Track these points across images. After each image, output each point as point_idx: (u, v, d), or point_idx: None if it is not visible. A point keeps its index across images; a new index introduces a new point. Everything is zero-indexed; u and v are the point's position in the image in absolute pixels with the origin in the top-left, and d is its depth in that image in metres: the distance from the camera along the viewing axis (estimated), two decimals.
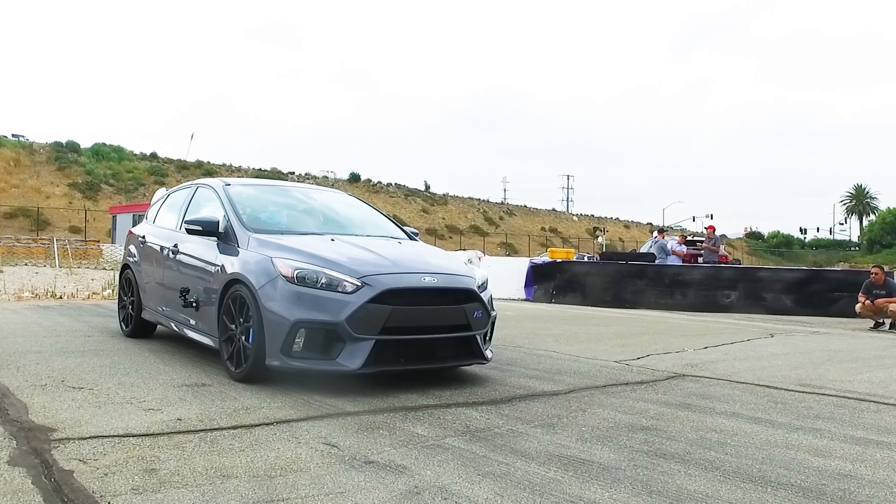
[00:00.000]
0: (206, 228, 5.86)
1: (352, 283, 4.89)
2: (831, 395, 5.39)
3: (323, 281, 4.91)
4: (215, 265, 5.71)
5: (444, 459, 3.45)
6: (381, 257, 5.33)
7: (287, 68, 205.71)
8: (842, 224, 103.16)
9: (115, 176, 60.30)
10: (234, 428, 3.93)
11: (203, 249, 5.99)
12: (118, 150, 65.66)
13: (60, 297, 12.83)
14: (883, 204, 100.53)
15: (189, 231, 6.02)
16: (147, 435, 3.73)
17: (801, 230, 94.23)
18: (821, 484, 3.25)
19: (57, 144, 62.47)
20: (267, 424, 4.03)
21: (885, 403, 5.14)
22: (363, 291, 4.86)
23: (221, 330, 5.45)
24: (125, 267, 7.94)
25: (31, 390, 4.73)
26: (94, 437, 3.66)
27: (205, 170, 65.71)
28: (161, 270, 6.85)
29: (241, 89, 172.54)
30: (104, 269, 25.22)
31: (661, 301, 15.78)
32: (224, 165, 70.19)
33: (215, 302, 5.56)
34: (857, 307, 12.26)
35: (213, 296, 5.64)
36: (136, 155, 67.41)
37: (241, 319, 5.21)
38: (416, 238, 6.73)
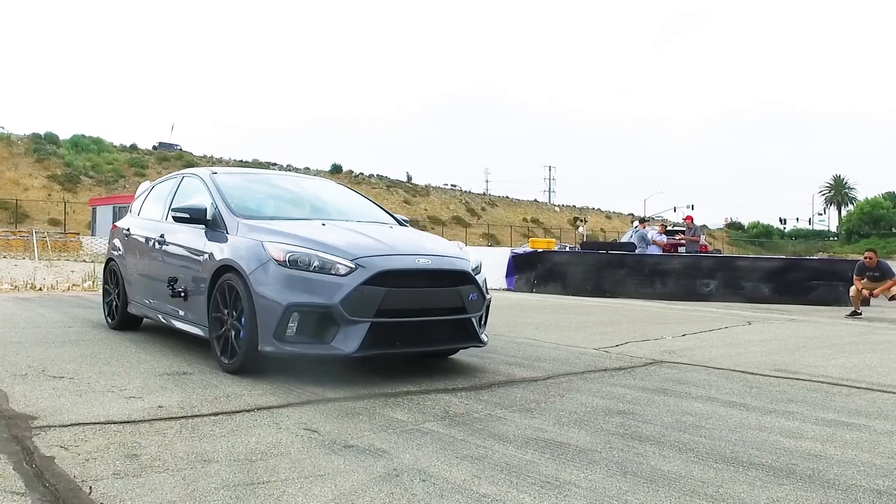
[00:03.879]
0: (194, 216, 5.75)
1: (345, 265, 4.80)
2: (805, 380, 5.49)
3: (315, 264, 4.82)
4: (203, 253, 5.60)
5: (423, 443, 3.50)
6: (374, 240, 5.25)
7: (270, 61, 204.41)
8: (821, 214, 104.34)
9: (95, 168, 59.81)
10: (215, 415, 3.96)
11: (191, 238, 5.87)
12: (98, 142, 65.14)
13: (40, 289, 12.76)
14: (861, 194, 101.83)
15: (176, 219, 5.91)
16: (128, 422, 3.75)
17: (780, 220, 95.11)
18: (791, 464, 3.33)
19: (35, 136, 61.83)
20: (248, 411, 4.06)
21: (856, 387, 5.25)
22: (357, 273, 4.77)
23: (212, 319, 5.34)
24: (109, 261, 7.80)
25: (12, 380, 4.73)
26: (75, 424, 3.68)
27: (185, 161, 65.26)
28: (147, 262, 6.73)
29: (221, 81, 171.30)
30: (84, 261, 25.06)
31: (641, 290, 15.90)
32: (205, 157, 69.76)
33: (204, 291, 5.46)
34: (852, 290, 12.46)
35: (202, 284, 5.53)
36: (115, 146, 66.88)
37: (233, 307, 5.10)
38: (407, 225, 6.66)
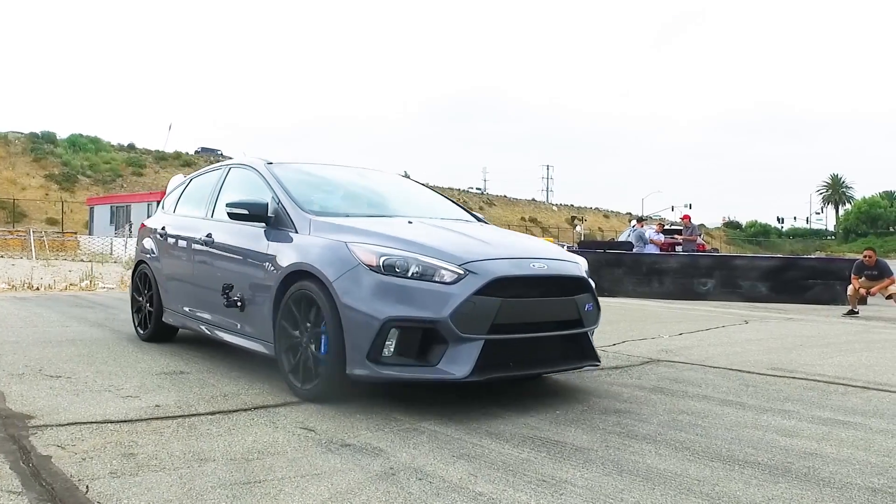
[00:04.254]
0: (254, 212, 4.96)
1: (452, 270, 4.05)
2: (801, 379, 5.50)
3: (416, 269, 4.06)
4: (266, 256, 4.81)
5: (420, 442, 3.51)
6: (476, 241, 4.56)
7: (270, 61, 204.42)
8: (818, 213, 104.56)
9: (93, 167, 59.79)
10: (212, 414, 3.96)
11: (248, 238, 5.09)
12: (95, 141, 65.11)
13: (37, 289, 12.74)
14: (858, 193, 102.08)
15: (232, 216, 5.10)
16: (125, 421, 3.76)
17: (778, 219, 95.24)
18: (786, 462, 3.34)
19: (33, 135, 61.79)
20: (245, 410, 4.07)
21: (852, 386, 5.26)
22: (468, 281, 4.01)
23: (281, 336, 4.54)
24: (139, 264, 6.92)
25: (9, 379, 4.74)
26: (72, 423, 3.68)
27: (183, 161, 65.31)
28: (189, 266, 5.94)
29: (221, 81, 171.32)
30: (81, 260, 25.03)
31: (638, 289, 15.92)
32: (203, 156, 69.72)
33: (269, 301, 4.67)
34: (850, 289, 12.51)
35: (265, 293, 4.74)
36: (113, 146, 66.86)
37: (310, 321, 4.36)
38: (487, 223, 5.92)
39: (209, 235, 5.59)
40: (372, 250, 4.17)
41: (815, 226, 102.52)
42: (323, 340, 4.22)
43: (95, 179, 58.28)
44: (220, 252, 5.44)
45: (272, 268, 4.71)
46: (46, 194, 52.59)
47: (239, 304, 5.01)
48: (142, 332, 6.74)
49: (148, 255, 6.71)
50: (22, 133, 61.20)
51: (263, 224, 4.98)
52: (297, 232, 4.73)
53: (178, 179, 7.42)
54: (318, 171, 6.05)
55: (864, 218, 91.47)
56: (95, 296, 11.87)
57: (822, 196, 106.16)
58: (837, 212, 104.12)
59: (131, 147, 68.65)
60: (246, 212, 4.99)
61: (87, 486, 2.79)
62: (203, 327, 5.67)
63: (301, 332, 4.41)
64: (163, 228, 6.55)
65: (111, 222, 40.60)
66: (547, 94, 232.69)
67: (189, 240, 5.97)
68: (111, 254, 30.56)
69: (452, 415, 4.06)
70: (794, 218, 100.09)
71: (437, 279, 4.03)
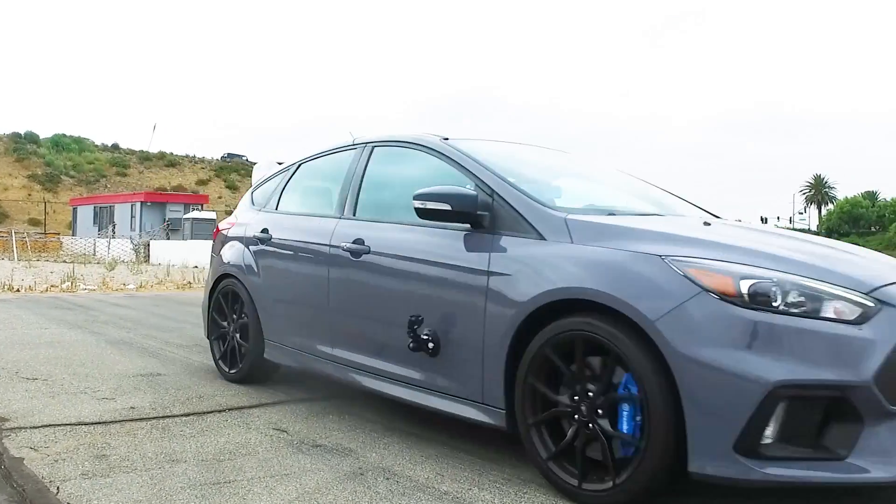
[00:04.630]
0: (460, 207, 3.31)
1: (857, 301, 2.56)
2: None
3: (796, 299, 2.54)
4: (483, 274, 3.22)
5: (390, 442, 3.57)
6: (840, 251, 3.16)
7: (269, 61, 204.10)
8: (801, 213, 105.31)
9: (76, 167, 59.53)
10: (186, 415, 4.00)
11: (438, 247, 3.50)
12: (79, 141, 64.83)
13: (18, 290, 12.69)
14: (840, 194, 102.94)
15: (424, 212, 3.40)
16: (99, 423, 3.79)
17: (762, 219, 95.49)
18: None
19: (15, 135, 61.42)
20: (219, 411, 4.11)
21: None
22: (884, 318, 2.53)
23: (528, 401, 3.00)
24: (222, 278, 5.14)
25: None
26: (46, 425, 3.71)
27: (168, 160, 65.08)
28: (320, 284, 4.18)
29: (221, 81, 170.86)
30: (64, 261, 24.94)
31: None
32: (188, 157, 69.55)
33: (496, 345, 3.11)
34: None
35: (482, 333, 3.18)
36: (97, 146, 66.60)
37: (593, 381, 2.81)
38: None
39: (358, 241, 3.95)
40: (723, 269, 2.63)
41: (798, 225, 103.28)
42: (626, 414, 2.72)
43: (79, 180, 58.08)
44: (384, 267, 3.81)
45: (501, 294, 3.15)
46: (29, 195, 52.36)
47: (431, 345, 3.39)
48: (229, 370, 4.98)
49: (239, 269, 4.93)
50: (4, 132, 60.83)
51: (467, 226, 3.41)
52: (541, 238, 3.15)
53: (267, 166, 5.66)
54: (509, 150, 4.35)
55: (847, 218, 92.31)
56: (76, 297, 11.85)
57: (804, 196, 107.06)
58: (820, 212, 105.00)
59: (115, 147, 68.48)
60: (448, 207, 3.32)
61: (57, 488, 2.83)
62: (341, 372, 4.05)
63: (573, 398, 2.87)
64: (263, 231, 4.84)
65: (94, 223, 40.44)
66: (546, 94, 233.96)
67: (319, 248, 4.25)
68: (94, 254, 30.47)
69: (426, 416, 4.10)
70: (778, 218, 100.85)
71: (830, 315, 2.53)
